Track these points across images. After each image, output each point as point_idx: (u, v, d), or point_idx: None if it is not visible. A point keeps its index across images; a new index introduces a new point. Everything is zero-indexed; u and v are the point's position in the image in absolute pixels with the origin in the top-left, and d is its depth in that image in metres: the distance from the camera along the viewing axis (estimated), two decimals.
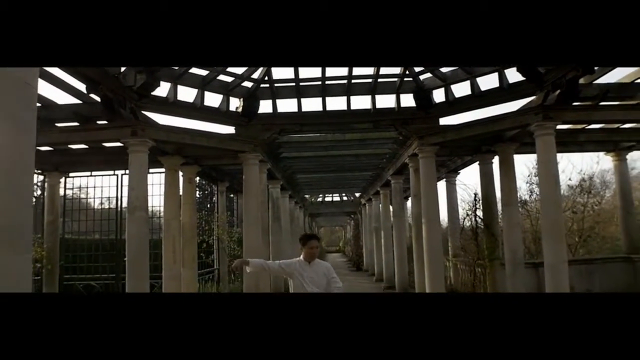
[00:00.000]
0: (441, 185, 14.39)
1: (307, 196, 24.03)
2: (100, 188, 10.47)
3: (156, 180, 9.92)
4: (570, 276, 9.39)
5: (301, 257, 4.58)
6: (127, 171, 7.58)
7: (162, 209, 9.38)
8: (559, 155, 12.66)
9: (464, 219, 10.65)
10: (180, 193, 9.42)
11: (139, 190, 7.12)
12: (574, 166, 35.15)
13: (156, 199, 9.95)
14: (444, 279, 8.83)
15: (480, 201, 10.07)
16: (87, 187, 10.61)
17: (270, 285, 9.99)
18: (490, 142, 8.98)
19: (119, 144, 8.44)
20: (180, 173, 9.41)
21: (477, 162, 10.24)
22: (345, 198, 26.19)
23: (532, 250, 12.88)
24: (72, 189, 10.79)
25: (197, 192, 14.16)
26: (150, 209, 8.26)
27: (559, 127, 8.72)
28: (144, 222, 7.14)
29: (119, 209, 10.62)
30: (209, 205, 19.02)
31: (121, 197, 10.32)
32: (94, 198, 11.13)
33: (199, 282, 10.19)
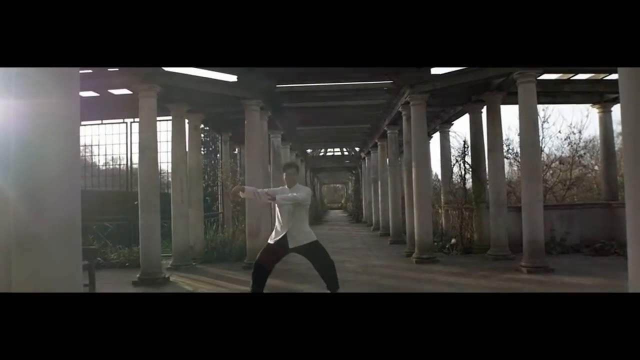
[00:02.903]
0: (436, 138, 15.02)
1: (309, 151, 24.56)
2: (111, 135, 11.08)
3: (163, 128, 10.49)
4: (552, 219, 10.11)
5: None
6: (137, 119, 8.19)
7: (169, 154, 10.01)
8: (550, 107, 13.24)
9: (453, 165, 11.27)
10: (187, 139, 10.05)
11: (148, 132, 7.77)
12: (564, 119, 35.00)
13: (163, 145, 10.51)
14: (431, 219, 9.53)
15: (469, 148, 10.67)
16: (98, 135, 11.19)
17: (270, 227, 10.69)
18: (478, 91, 9.49)
19: (127, 91, 9.04)
20: (186, 121, 10.04)
21: (468, 113, 10.79)
22: (346, 153, 26.74)
23: None
24: (84, 136, 11.33)
25: (202, 150, 14.71)
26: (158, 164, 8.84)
27: (546, 77, 9.22)
28: (153, 162, 7.83)
29: (128, 156, 11.28)
30: (213, 162, 19.70)
31: (131, 144, 10.98)
32: (106, 144, 11.69)
33: (205, 224, 10.94)
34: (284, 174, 5.39)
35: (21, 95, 2.69)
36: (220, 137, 13.90)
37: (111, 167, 12.92)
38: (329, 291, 5.38)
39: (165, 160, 10.71)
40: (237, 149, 16.26)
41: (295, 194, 5.04)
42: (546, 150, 13.92)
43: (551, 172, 14.15)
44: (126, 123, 10.85)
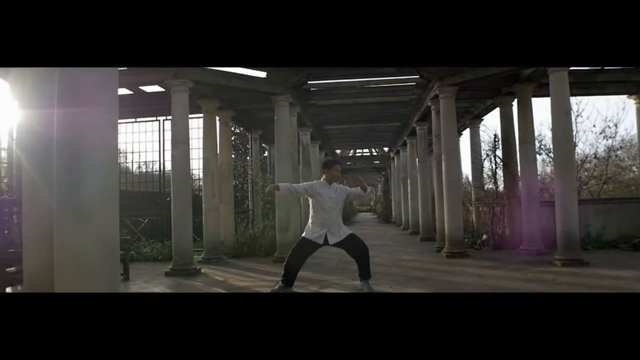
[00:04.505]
0: (466, 136, 14.86)
1: (338, 151, 24.58)
2: (144, 133, 11.38)
3: (194, 125, 10.70)
4: (587, 214, 9.85)
5: (322, 179, 5.53)
6: (169, 116, 8.40)
7: (200, 151, 10.22)
8: (584, 101, 12.89)
9: (484, 159, 11.12)
10: (217, 136, 10.26)
11: (181, 126, 7.98)
12: (599, 112, 34.08)
13: (194, 142, 10.72)
14: (462, 213, 9.41)
15: (500, 142, 10.51)
16: (132, 132, 11.52)
17: (300, 222, 10.79)
18: (508, 83, 9.36)
19: (159, 88, 9.30)
20: (217, 118, 10.25)
21: (498, 106, 10.63)
22: (375, 153, 26.65)
23: None
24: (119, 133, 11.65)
25: (232, 153, 14.97)
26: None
27: (578, 68, 9.03)
28: (186, 155, 8.02)
29: (161, 155, 11.55)
30: (243, 164, 19.99)
31: (163, 141, 11.26)
32: (139, 141, 12.00)
33: (236, 220, 11.10)
34: (330, 169, 5.52)
35: (63, 104, 2.88)
36: (250, 135, 14.10)
37: (144, 171, 13.27)
38: (359, 281, 5.67)
39: (197, 156, 10.93)
40: (266, 152, 16.49)
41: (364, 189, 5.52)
42: (580, 145, 13.52)
43: (585, 172, 13.71)
44: (159, 121, 11.13)
